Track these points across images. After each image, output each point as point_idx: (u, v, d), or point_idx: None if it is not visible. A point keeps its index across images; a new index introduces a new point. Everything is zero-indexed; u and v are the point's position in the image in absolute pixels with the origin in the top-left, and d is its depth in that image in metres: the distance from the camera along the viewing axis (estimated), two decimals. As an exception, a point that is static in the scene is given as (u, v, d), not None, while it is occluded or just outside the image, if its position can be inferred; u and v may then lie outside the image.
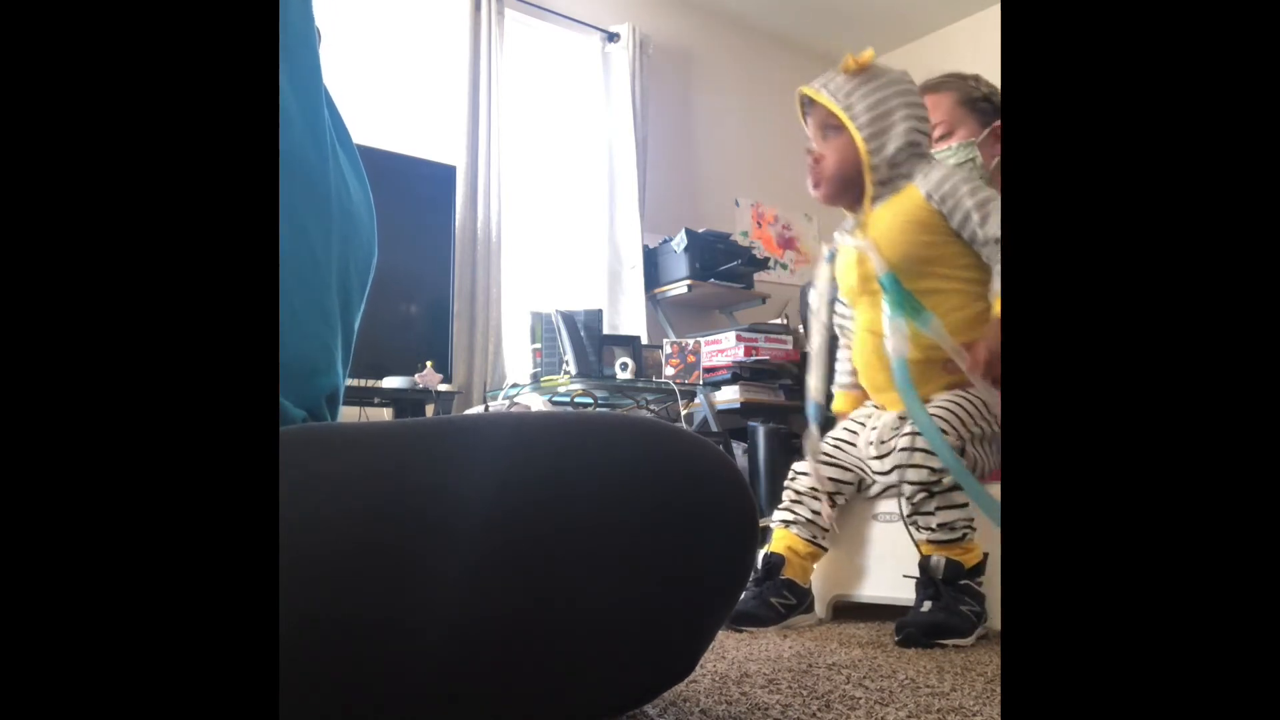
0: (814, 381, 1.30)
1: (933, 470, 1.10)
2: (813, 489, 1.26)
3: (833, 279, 1.32)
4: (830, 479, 1.27)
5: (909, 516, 1.13)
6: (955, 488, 1.12)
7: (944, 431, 1.10)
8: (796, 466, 1.30)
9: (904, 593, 1.17)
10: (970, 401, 1.18)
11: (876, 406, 1.31)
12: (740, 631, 1.19)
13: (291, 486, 0.43)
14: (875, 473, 1.24)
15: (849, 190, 1.25)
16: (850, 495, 1.29)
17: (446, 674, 0.48)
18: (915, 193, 1.21)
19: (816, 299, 1.34)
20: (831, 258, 1.30)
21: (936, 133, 1.44)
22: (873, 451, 1.23)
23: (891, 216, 1.22)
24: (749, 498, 0.58)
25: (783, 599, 1.22)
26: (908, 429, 1.15)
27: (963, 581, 1.09)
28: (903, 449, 1.13)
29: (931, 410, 1.12)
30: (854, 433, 1.30)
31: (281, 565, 0.41)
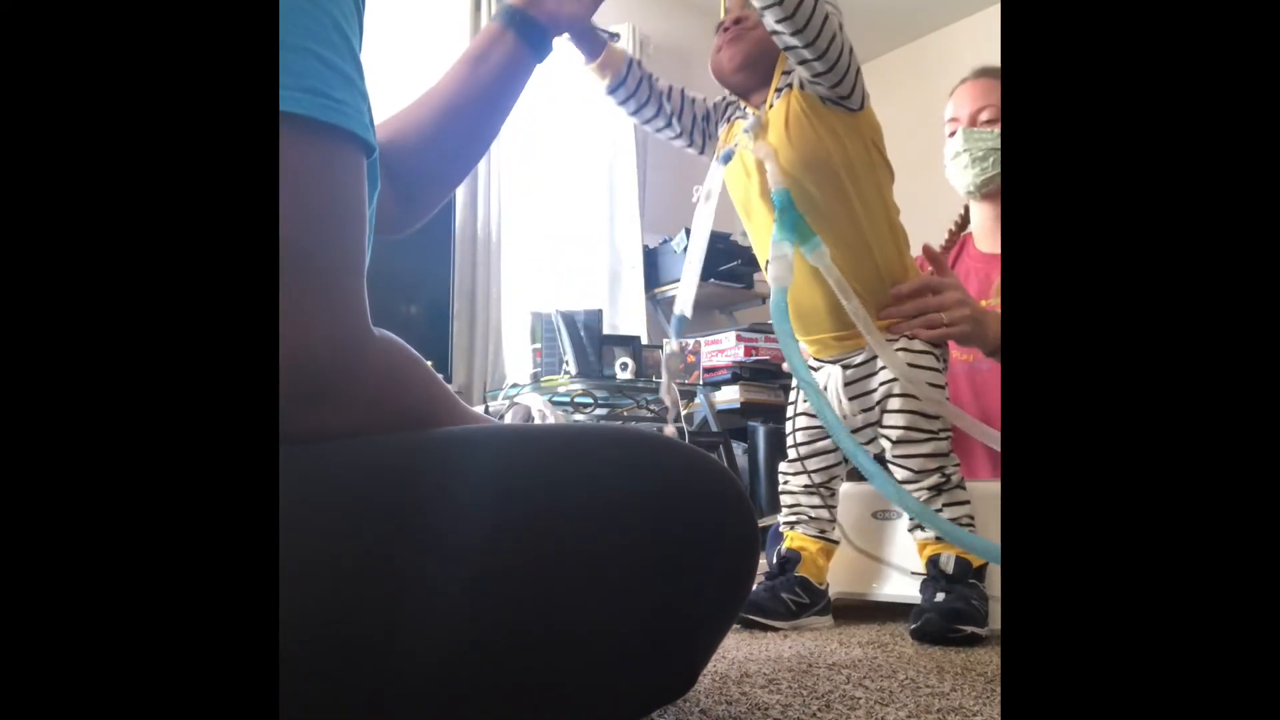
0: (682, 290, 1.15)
1: (916, 415, 1.11)
2: (805, 486, 1.24)
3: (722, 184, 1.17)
4: (816, 469, 1.24)
5: (913, 526, 1.12)
6: (960, 485, 1.12)
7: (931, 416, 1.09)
8: (783, 468, 1.27)
9: (906, 591, 1.16)
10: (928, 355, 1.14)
11: (817, 360, 1.23)
12: (745, 626, 1.16)
13: (284, 499, 0.43)
14: (852, 427, 1.19)
15: (765, 60, 1.14)
16: (843, 475, 1.26)
17: (441, 691, 0.47)
18: None
19: (701, 195, 1.15)
20: (727, 159, 1.12)
21: (984, 116, 1.52)
22: (847, 408, 1.19)
23: (792, 104, 1.10)
24: (749, 513, 0.57)
25: (794, 595, 1.19)
26: (881, 374, 1.14)
27: (970, 580, 1.09)
28: (888, 401, 1.10)
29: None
30: (813, 417, 1.23)
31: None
